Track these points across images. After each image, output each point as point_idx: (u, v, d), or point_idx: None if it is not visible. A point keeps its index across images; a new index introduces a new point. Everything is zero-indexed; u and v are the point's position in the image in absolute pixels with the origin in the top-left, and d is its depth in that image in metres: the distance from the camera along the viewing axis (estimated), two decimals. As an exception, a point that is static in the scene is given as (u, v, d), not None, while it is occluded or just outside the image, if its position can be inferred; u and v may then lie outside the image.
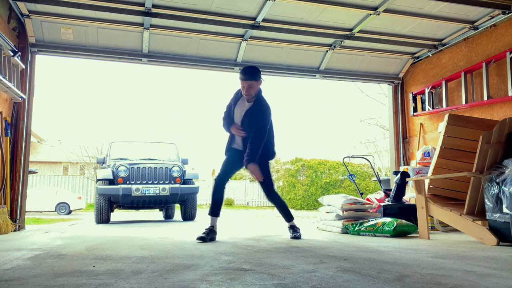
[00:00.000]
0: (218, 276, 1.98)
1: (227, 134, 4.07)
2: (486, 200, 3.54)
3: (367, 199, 5.83)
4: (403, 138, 6.82)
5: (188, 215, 7.91)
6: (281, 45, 6.03)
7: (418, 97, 6.39)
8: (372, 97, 16.79)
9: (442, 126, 4.64)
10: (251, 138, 3.80)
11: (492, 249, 3.18)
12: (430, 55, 6.28)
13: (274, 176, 26.89)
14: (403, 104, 6.89)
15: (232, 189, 23.34)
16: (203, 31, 5.60)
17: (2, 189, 4.86)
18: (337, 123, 42.58)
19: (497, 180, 3.42)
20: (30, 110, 5.40)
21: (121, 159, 8.24)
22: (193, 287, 1.73)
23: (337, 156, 22.11)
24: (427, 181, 4.39)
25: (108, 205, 7.26)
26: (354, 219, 4.77)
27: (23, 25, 5.23)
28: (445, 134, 4.39)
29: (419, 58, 6.54)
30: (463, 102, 5.39)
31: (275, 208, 4.22)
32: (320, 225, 5.27)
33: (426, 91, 6.13)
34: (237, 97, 3.98)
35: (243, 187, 23.78)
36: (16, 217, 5.10)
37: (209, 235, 3.74)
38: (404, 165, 6.56)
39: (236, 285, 1.77)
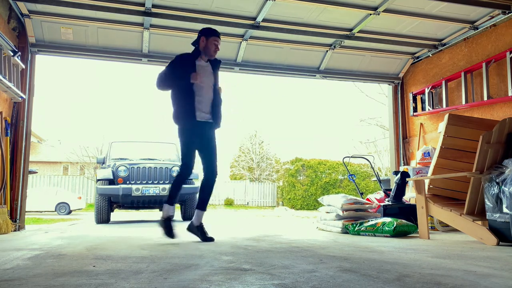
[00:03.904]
0: (218, 276, 1.98)
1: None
2: (486, 200, 3.54)
3: (367, 199, 5.83)
4: (403, 138, 6.82)
5: (188, 215, 7.89)
6: (281, 45, 6.03)
7: (418, 97, 6.39)
8: (372, 97, 16.83)
9: (442, 126, 4.64)
10: (218, 100, 3.90)
11: (492, 249, 3.17)
12: (430, 55, 6.28)
13: (274, 176, 27.07)
14: (403, 104, 6.89)
15: (232, 189, 23.34)
16: (203, 31, 5.60)
17: (2, 189, 4.86)
18: (337, 123, 42.65)
19: (497, 180, 3.42)
20: (30, 110, 5.40)
21: (121, 159, 8.24)
22: (193, 287, 1.73)
23: (337, 156, 22.16)
24: (427, 181, 4.39)
25: (108, 205, 7.26)
26: (354, 219, 4.76)
27: (23, 25, 5.23)
28: (445, 134, 4.39)
29: (419, 58, 6.54)
30: (463, 102, 5.39)
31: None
32: (320, 225, 5.27)
33: (426, 91, 6.13)
34: (191, 60, 3.86)
35: (243, 187, 23.78)
36: (16, 217, 5.10)
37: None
38: (404, 165, 6.56)
39: (236, 285, 1.77)
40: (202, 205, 3.88)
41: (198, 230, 3.80)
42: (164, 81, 3.85)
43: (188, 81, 3.74)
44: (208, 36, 3.88)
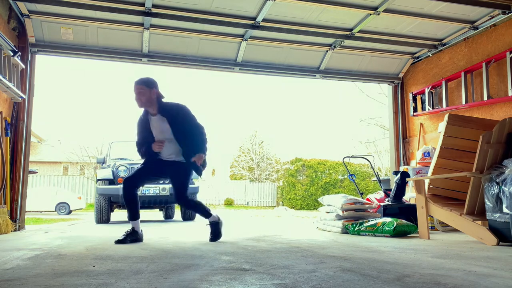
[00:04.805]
0: (218, 276, 1.98)
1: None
2: (486, 200, 3.54)
3: (367, 199, 5.83)
4: (403, 138, 6.82)
5: (188, 215, 7.91)
6: (281, 45, 6.03)
7: (418, 97, 6.39)
8: (372, 97, 16.75)
9: (442, 126, 4.64)
10: (196, 136, 3.71)
11: (492, 249, 3.18)
12: (430, 55, 6.28)
13: (274, 176, 27.07)
14: (403, 104, 6.89)
15: (232, 189, 23.34)
16: (203, 31, 5.60)
17: (2, 189, 4.86)
18: (337, 123, 42.63)
19: (497, 180, 3.42)
20: (30, 110, 5.40)
21: (121, 159, 8.23)
22: (193, 287, 1.73)
23: (337, 156, 22.14)
24: (427, 181, 4.39)
25: (108, 205, 7.27)
26: (354, 219, 4.77)
27: (23, 25, 5.23)
28: (445, 134, 4.39)
29: (419, 58, 6.54)
30: (463, 102, 5.39)
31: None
32: (320, 225, 5.27)
33: (426, 91, 6.13)
34: (145, 119, 3.77)
35: (243, 187, 23.78)
36: (16, 217, 5.10)
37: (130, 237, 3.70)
38: (404, 165, 6.56)
39: (236, 285, 1.77)
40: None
41: (212, 226, 3.77)
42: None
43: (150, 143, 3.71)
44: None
